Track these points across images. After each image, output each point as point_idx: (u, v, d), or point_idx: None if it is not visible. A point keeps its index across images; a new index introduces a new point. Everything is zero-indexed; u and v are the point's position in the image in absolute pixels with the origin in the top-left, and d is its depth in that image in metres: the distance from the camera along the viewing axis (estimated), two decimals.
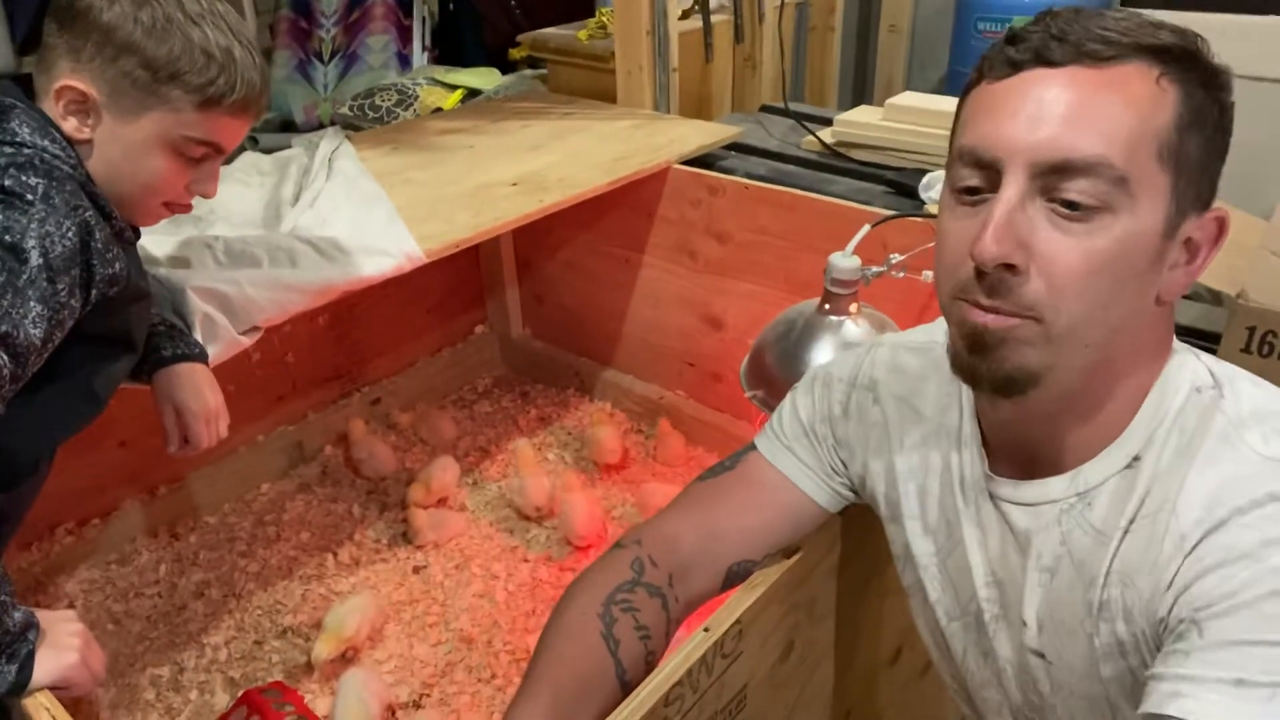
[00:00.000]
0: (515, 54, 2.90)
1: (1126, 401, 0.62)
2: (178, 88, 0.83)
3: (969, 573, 0.72)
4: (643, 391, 1.94)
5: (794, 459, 0.83)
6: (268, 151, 1.58)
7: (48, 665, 0.76)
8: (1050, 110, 0.56)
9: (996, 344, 0.59)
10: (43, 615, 0.79)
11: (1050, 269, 0.56)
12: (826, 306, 1.20)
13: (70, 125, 0.83)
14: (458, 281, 2.09)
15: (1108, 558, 0.62)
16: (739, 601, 0.73)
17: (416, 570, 1.57)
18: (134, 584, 1.52)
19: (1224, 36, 1.81)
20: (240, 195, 1.43)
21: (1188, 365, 0.63)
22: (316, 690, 1.34)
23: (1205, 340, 1.35)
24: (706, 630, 0.70)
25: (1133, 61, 0.57)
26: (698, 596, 0.79)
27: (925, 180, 1.55)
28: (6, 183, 0.75)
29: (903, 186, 1.58)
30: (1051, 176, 0.56)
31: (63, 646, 0.78)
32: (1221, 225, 0.61)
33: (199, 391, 1.00)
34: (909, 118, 1.71)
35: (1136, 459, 0.62)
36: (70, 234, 0.76)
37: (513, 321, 2.13)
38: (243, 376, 1.68)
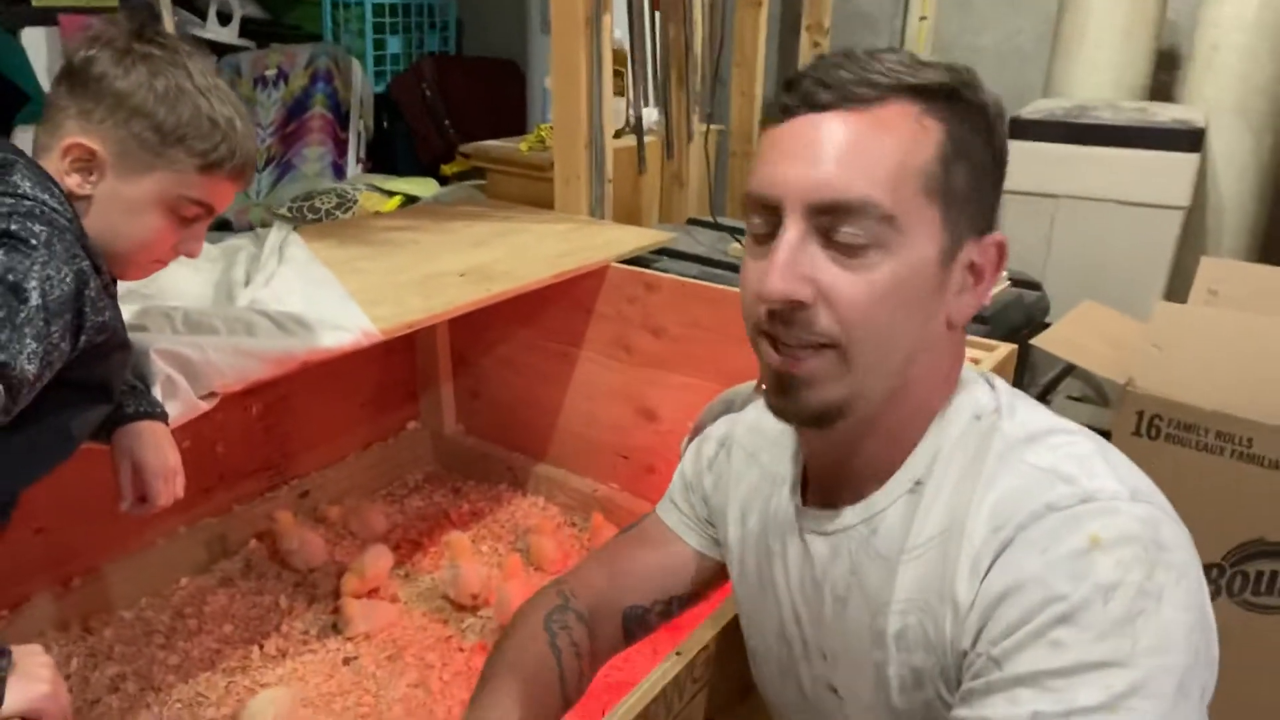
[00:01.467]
0: (448, 169, 3.02)
1: (915, 429, 0.65)
2: (183, 151, 0.89)
3: (778, 612, 0.73)
4: (576, 485, 1.96)
5: (677, 512, 0.88)
6: None
7: (19, 693, 0.76)
8: (818, 153, 0.59)
9: (801, 386, 0.62)
10: (14, 647, 0.79)
11: (836, 302, 0.59)
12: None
13: (73, 181, 0.87)
14: (392, 377, 2.11)
15: (893, 584, 0.63)
16: (706, 630, 0.77)
17: (347, 661, 1.53)
18: None
19: (1102, 166, 2.02)
20: (188, 278, 1.45)
21: (972, 394, 0.66)
22: None
23: None
24: (679, 654, 0.73)
25: (894, 102, 0.60)
26: (604, 645, 0.83)
27: None
28: (13, 227, 0.78)
29: None
30: (825, 217, 0.59)
31: (34, 677, 0.77)
32: (1001, 249, 0.64)
33: (160, 449, 1.00)
34: None
35: (918, 484, 0.64)
36: (68, 280, 0.79)
37: (446, 418, 2.15)
38: None
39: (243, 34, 3.38)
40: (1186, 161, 1.93)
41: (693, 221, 2.29)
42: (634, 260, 1.82)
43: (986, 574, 0.57)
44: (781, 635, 0.73)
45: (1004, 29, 2.73)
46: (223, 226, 2.72)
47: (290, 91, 3.07)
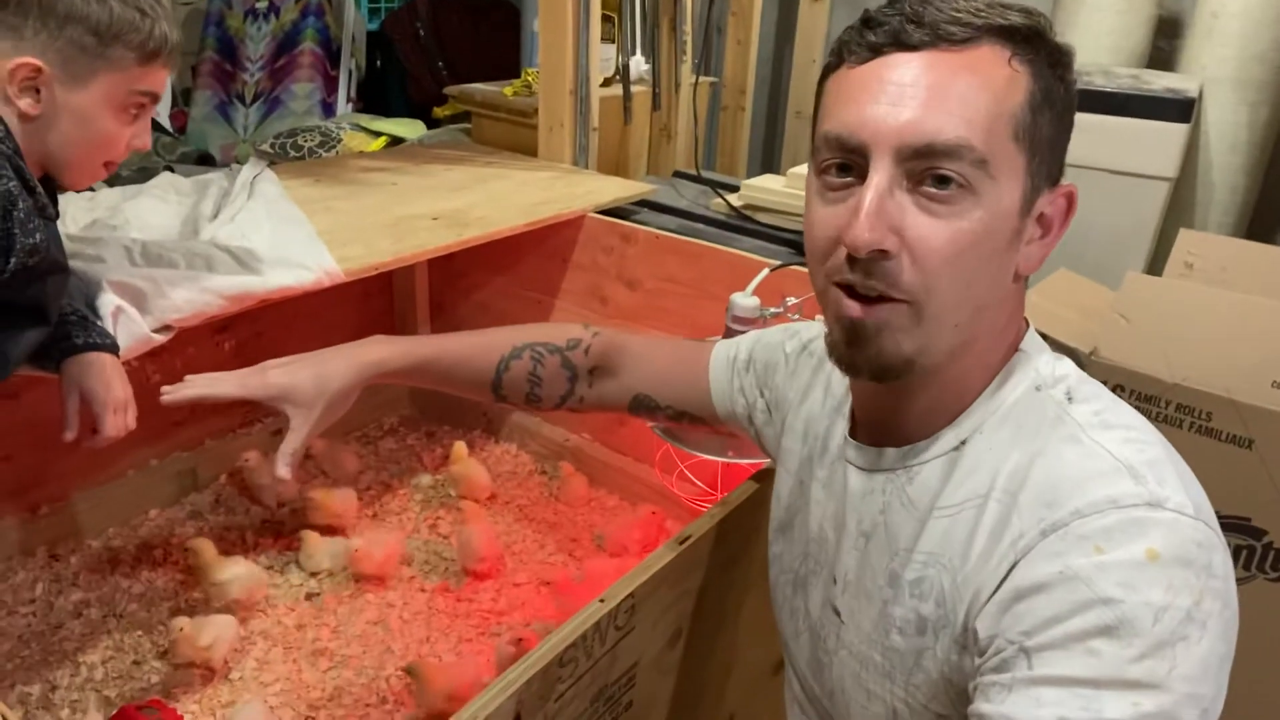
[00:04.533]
0: (440, 112, 2.98)
1: (971, 385, 0.64)
2: (121, 46, 0.88)
3: (807, 530, 0.75)
4: (549, 434, 1.97)
5: (725, 358, 0.91)
6: None
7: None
8: (911, 94, 0.57)
9: (873, 334, 0.60)
10: None
11: (919, 252, 0.58)
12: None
13: (25, 104, 0.87)
14: (370, 320, 2.10)
15: (919, 534, 0.63)
16: (634, 577, 0.77)
17: (309, 597, 1.55)
18: (6, 602, 1.45)
19: (1090, 133, 2.00)
20: (156, 210, 1.44)
21: (1034, 364, 0.65)
22: (197, 710, 1.30)
23: None
24: (602, 600, 0.74)
25: (986, 43, 0.58)
26: (609, 399, 0.96)
27: None
28: None
29: (801, 246, 1.70)
30: (916, 161, 0.57)
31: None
32: (1070, 199, 0.62)
33: (109, 380, 1.00)
34: None
35: (964, 443, 0.63)
36: None
37: None
38: (140, 398, 1.65)
39: None
40: (1176, 132, 1.90)
41: (679, 175, 2.26)
42: (613, 211, 1.81)
43: (1029, 551, 0.56)
44: (805, 551, 0.75)
45: None
46: (206, 160, 2.70)
47: (281, 25, 3.02)
